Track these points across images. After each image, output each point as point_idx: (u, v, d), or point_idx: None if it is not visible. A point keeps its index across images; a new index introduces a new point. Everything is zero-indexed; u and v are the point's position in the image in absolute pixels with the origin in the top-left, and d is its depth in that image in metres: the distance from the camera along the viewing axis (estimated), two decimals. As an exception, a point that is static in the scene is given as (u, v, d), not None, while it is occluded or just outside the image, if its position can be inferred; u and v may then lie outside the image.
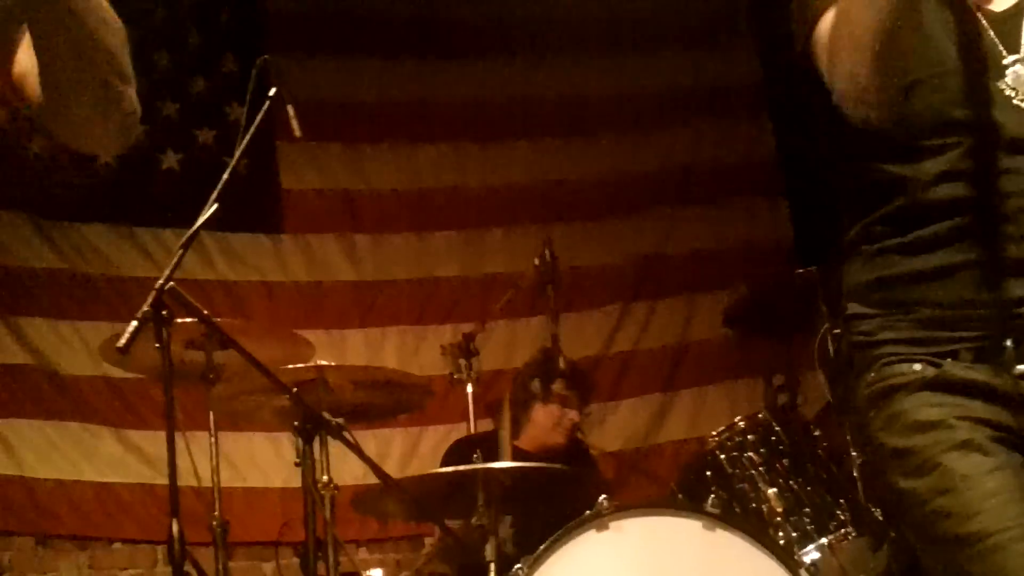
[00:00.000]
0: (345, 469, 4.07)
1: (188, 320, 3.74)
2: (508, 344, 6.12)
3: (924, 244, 2.13)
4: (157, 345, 3.64)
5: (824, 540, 3.83)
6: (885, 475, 2.18)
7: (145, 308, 3.52)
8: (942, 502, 2.06)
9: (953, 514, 2.05)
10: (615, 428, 6.23)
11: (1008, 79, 2.10)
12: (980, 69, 2.10)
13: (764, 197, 6.69)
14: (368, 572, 3.86)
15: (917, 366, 2.12)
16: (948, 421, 2.08)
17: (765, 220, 6.66)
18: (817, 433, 4.13)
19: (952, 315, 2.12)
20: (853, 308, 2.23)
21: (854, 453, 4.00)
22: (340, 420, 3.60)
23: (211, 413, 4.14)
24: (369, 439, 5.24)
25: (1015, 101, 2.09)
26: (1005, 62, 2.11)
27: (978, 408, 2.08)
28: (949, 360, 2.11)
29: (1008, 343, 2.08)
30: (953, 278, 2.11)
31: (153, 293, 3.53)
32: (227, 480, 4.67)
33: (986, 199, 2.08)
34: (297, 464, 3.56)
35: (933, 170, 2.10)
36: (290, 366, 3.91)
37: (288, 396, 3.53)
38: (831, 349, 3.98)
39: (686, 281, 6.51)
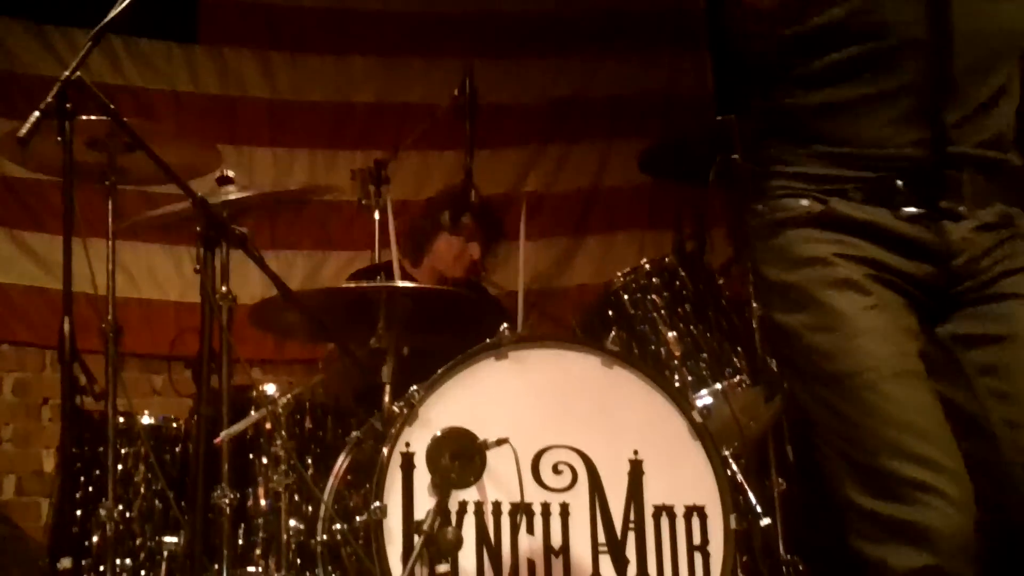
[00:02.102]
0: (244, 289, 4.01)
1: (93, 118, 3.62)
2: (419, 175, 6.06)
3: (836, 71, 2.10)
4: (59, 139, 3.52)
5: (719, 386, 3.86)
6: (768, 308, 2.21)
7: (48, 99, 3.40)
8: (818, 339, 2.08)
9: (828, 351, 2.08)
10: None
11: None
12: None
13: (689, 48, 6.62)
14: (262, 386, 3.81)
15: (804, 201, 2.13)
16: (828, 258, 2.09)
17: (688, 71, 6.59)
18: (721, 282, 4.13)
19: (848, 152, 2.11)
20: (754, 140, 2.24)
21: (755, 304, 4.02)
22: (243, 230, 3.52)
23: (110, 218, 4.04)
24: (271, 260, 5.13)
25: None
26: None
27: (861, 247, 2.10)
28: (836, 198, 2.11)
29: (899, 183, 2.09)
30: (859, 111, 2.09)
31: (57, 84, 3.40)
32: (123, 290, 4.60)
33: (928, 21, 2.04)
34: (196, 271, 3.49)
35: None
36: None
37: (192, 201, 3.43)
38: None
39: (603, 126, 6.46)
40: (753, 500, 3.70)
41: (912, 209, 2.09)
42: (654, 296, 4.02)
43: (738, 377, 3.89)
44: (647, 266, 4.08)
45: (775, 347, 2.22)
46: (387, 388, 3.73)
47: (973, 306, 2.12)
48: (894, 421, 2.00)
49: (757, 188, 2.20)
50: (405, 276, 4.45)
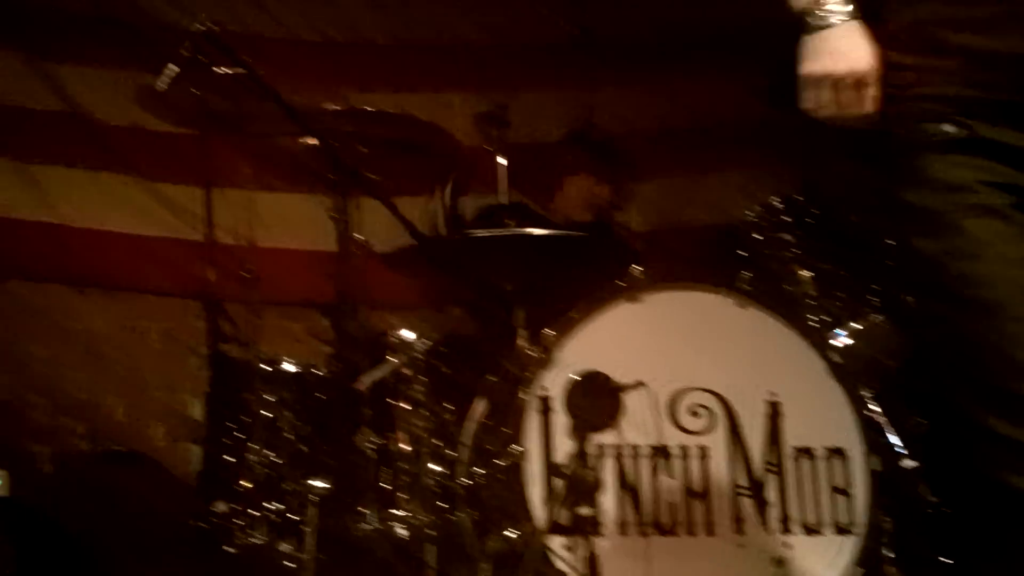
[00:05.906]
0: (377, 235, 4.06)
1: (226, 71, 3.69)
2: (539, 115, 6.02)
3: None
4: (194, 91, 3.60)
5: (855, 325, 3.83)
6: (903, 233, 2.19)
7: (183, 52, 3.50)
8: (960, 266, 2.06)
9: (971, 280, 2.05)
10: (641, 206, 6.18)
11: None
12: None
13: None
14: (399, 331, 3.86)
15: (947, 126, 2.09)
16: (972, 185, 2.07)
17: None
18: (854, 218, 4.08)
19: (988, 72, 2.07)
20: (891, 56, 2.17)
21: (889, 241, 3.96)
22: (374, 176, 3.57)
23: (244, 167, 4.11)
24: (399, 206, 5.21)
25: None
26: None
27: (1003, 172, 2.07)
28: (977, 121, 2.07)
29: None
30: (998, 28, 2.05)
31: (194, 37, 3.49)
32: (259, 239, 4.66)
33: None
34: (332, 218, 3.54)
35: None
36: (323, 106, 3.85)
37: (324, 147, 3.48)
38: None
39: (719, 60, 6.34)
40: (896, 441, 3.66)
41: None
42: (786, 234, 3.98)
43: (875, 315, 3.84)
44: (777, 203, 4.04)
45: (909, 273, 2.19)
46: (519, 331, 3.77)
47: None
48: None
49: (894, 112, 2.16)
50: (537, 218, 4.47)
